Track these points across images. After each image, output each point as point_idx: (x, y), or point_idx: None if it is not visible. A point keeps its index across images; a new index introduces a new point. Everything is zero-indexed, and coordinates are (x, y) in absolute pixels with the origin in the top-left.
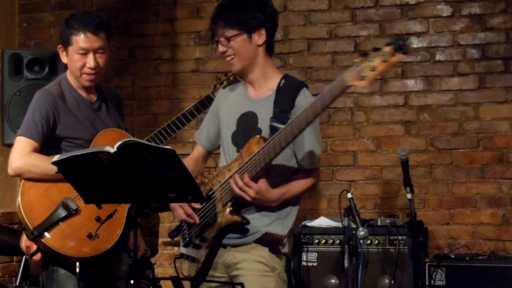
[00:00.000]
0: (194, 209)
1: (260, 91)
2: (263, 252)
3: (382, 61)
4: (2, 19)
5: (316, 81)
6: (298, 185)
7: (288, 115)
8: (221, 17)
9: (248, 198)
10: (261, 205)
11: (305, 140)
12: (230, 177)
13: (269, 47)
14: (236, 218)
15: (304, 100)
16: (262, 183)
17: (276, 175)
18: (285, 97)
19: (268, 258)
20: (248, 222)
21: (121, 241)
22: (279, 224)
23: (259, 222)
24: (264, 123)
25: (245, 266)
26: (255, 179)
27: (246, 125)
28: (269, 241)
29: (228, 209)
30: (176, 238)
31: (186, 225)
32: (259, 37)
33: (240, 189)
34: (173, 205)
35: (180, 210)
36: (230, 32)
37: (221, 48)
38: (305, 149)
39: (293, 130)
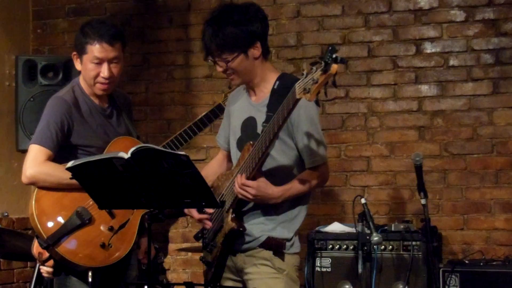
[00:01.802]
0: (207, 214)
1: (259, 95)
2: (268, 255)
3: (322, 73)
4: (16, 25)
5: (330, 86)
6: (303, 182)
7: None
8: (213, 40)
9: (250, 196)
10: (266, 203)
11: (305, 139)
12: (231, 182)
13: (265, 53)
14: (233, 225)
15: (299, 105)
16: (261, 181)
17: (280, 175)
18: (278, 100)
19: (274, 260)
20: (244, 230)
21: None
22: (284, 228)
23: (263, 227)
24: (261, 128)
25: (253, 270)
26: (252, 179)
27: (248, 131)
28: (273, 245)
29: (230, 216)
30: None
31: (205, 228)
32: (255, 50)
33: (240, 189)
34: (186, 210)
35: (195, 213)
36: (226, 55)
37: (219, 68)
38: (306, 148)
39: (265, 140)
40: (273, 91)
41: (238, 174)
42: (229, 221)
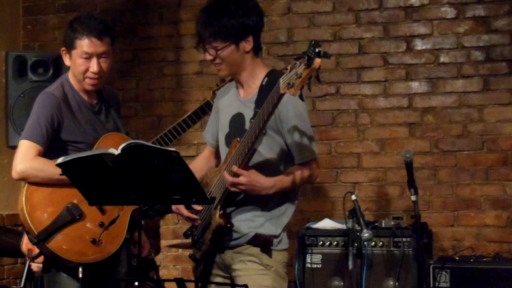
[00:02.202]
0: (196, 211)
1: (248, 91)
2: (255, 251)
3: (305, 68)
4: (6, 21)
5: (321, 83)
6: (293, 175)
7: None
8: (207, 28)
9: (241, 187)
10: (258, 194)
11: (294, 135)
12: (219, 178)
13: (257, 49)
14: (221, 221)
15: (287, 100)
16: (252, 172)
17: (267, 171)
18: (266, 96)
19: (261, 257)
20: (231, 227)
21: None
22: (272, 224)
23: (251, 224)
24: (249, 124)
25: (240, 267)
26: (245, 166)
27: (236, 127)
28: (261, 242)
29: (218, 212)
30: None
31: (194, 226)
32: (247, 44)
33: (231, 180)
34: (175, 207)
35: (179, 213)
36: (217, 44)
37: (208, 56)
38: (295, 144)
39: (251, 136)
40: (261, 87)
41: (231, 164)
42: (217, 218)
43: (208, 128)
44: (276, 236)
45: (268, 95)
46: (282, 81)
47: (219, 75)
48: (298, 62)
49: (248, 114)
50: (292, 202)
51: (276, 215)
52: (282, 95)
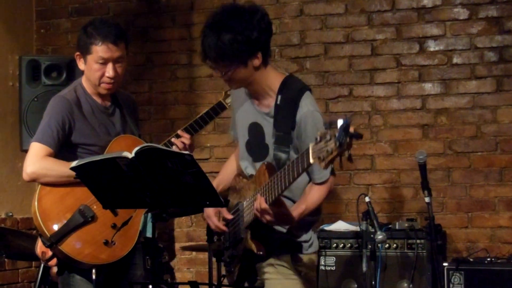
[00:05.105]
0: (226, 220)
1: (263, 102)
2: (286, 256)
3: (335, 148)
4: (19, 25)
5: (333, 85)
6: (314, 199)
7: (290, 136)
8: (213, 50)
9: (264, 221)
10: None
11: None
12: (251, 202)
13: (266, 60)
14: (253, 247)
15: (305, 118)
16: (281, 211)
17: (292, 188)
18: (284, 116)
19: (291, 262)
20: (263, 255)
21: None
22: (303, 230)
23: (280, 229)
24: (269, 139)
25: (270, 270)
26: (273, 203)
27: (256, 137)
28: (292, 247)
29: (249, 234)
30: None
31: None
32: (256, 60)
33: (259, 212)
34: (206, 214)
35: (209, 221)
36: (224, 64)
37: (216, 73)
38: (314, 166)
39: (281, 185)
40: (277, 107)
41: (258, 195)
42: (249, 239)
43: (233, 126)
44: (307, 241)
45: (284, 116)
46: (312, 151)
47: (230, 88)
48: (329, 136)
49: (267, 127)
50: (320, 213)
51: (306, 223)
52: (310, 164)
